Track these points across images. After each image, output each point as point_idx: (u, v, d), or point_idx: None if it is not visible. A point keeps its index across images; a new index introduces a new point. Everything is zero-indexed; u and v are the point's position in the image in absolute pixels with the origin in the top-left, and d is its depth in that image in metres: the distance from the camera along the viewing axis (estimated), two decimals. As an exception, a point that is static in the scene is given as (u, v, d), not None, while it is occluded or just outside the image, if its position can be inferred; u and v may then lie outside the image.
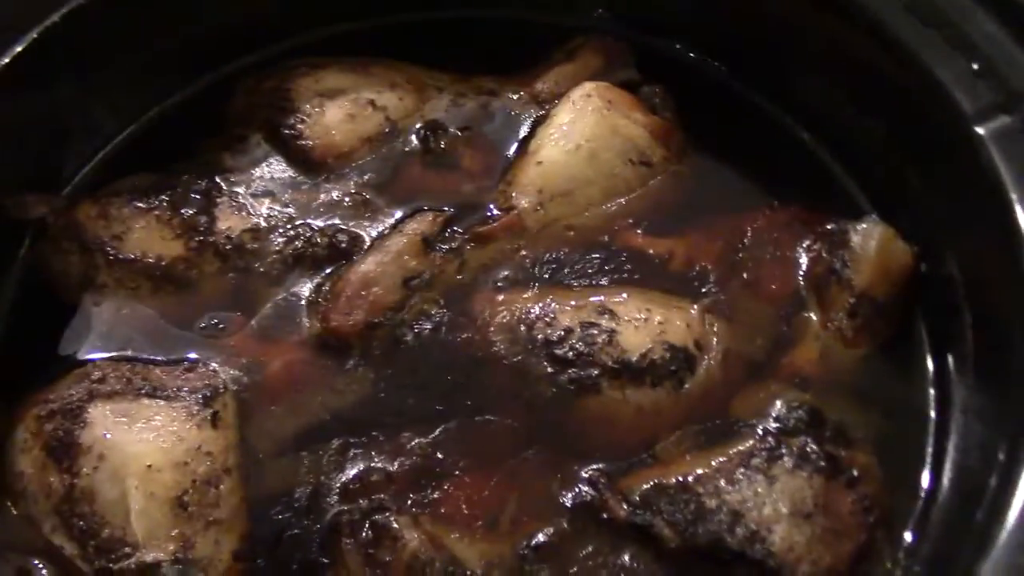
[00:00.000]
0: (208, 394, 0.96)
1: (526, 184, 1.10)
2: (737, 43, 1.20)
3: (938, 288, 1.01)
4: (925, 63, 1.00)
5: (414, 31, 1.27)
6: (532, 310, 1.02)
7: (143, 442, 0.92)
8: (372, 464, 0.95)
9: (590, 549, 0.91)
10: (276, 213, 1.09)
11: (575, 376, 0.98)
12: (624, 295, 1.03)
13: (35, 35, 1.05)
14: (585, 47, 1.23)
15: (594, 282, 1.06)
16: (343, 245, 1.07)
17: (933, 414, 0.98)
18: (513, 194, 1.10)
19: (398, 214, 1.10)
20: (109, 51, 1.13)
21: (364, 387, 1.00)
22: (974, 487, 0.86)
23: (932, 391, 1.00)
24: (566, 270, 1.07)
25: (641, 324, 1.00)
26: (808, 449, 0.93)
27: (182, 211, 1.07)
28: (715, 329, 1.02)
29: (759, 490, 0.91)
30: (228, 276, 1.06)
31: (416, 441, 0.96)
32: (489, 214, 1.10)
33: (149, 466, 0.90)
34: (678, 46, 1.25)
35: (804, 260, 1.07)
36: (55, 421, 0.92)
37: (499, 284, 1.06)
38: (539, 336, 1.00)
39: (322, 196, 1.11)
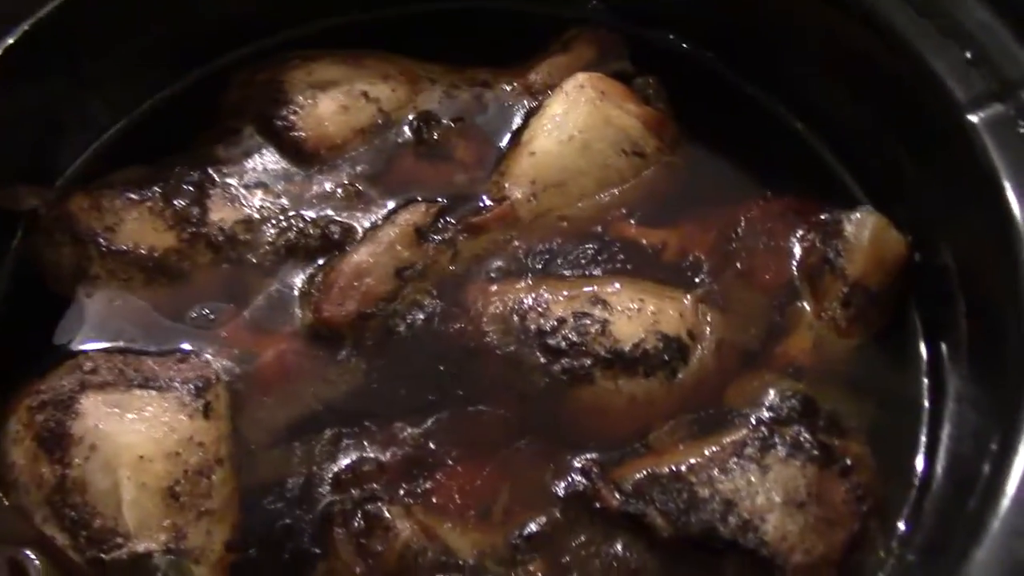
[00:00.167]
0: (200, 385, 0.96)
1: (519, 175, 1.10)
2: (730, 33, 1.19)
3: (932, 277, 1.01)
4: (918, 52, 1.00)
5: (408, 23, 1.26)
6: (525, 300, 1.02)
7: (135, 433, 0.91)
8: (364, 454, 0.95)
9: (582, 539, 0.90)
10: (269, 204, 1.09)
11: (568, 366, 0.98)
12: (617, 285, 1.03)
13: (27, 27, 1.05)
14: (578, 38, 1.23)
15: (587, 272, 1.06)
16: (336, 236, 1.07)
17: (927, 403, 0.98)
18: (506, 185, 1.10)
19: (391, 205, 1.10)
20: (102, 43, 1.13)
21: (356, 377, 1.00)
22: (968, 475, 0.86)
23: (926, 380, 1.00)
24: (559, 260, 1.06)
25: (634, 314, 1.00)
26: (801, 438, 0.92)
27: (175, 202, 1.07)
28: (708, 319, 1.02)
29: (752, 479, 0.90)
30: (221, 267, 1.05)
31: (408, 431, 0.96)
32: (482, 205, 1.10)
33: (141, 456, 0.90)
34: (671, 37, 1.24)
35: (798, 250, 1.06)
36: (47, 412, 0.92)
37: (492, 274, 1.05)
38: (532, 326, 1.00)
39: (315, 187, 1.11)
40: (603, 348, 0.98)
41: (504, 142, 1.15)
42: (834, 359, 1.01)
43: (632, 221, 1.10)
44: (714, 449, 0.93)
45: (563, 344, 0.98)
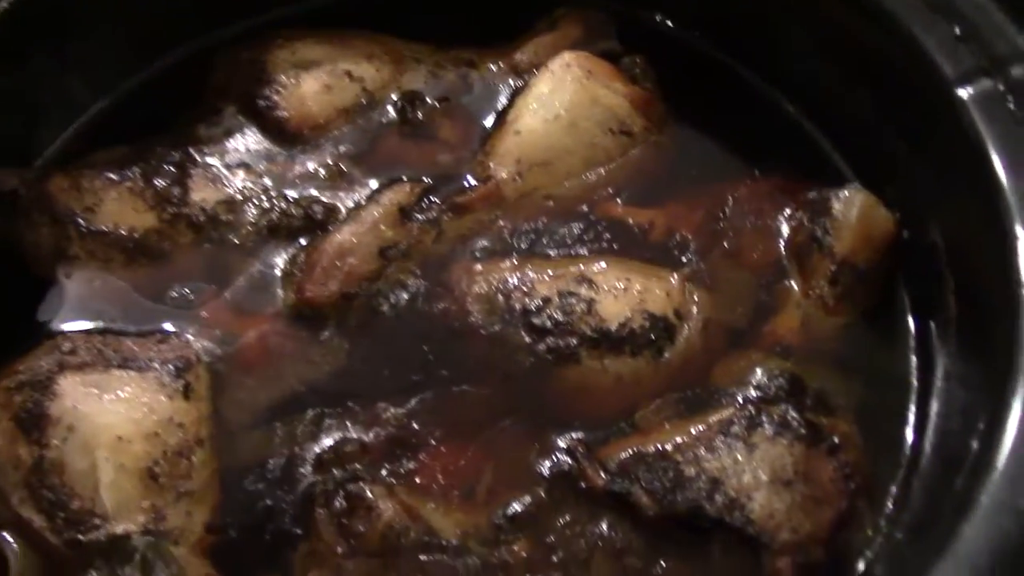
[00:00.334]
0: (180, 365, 0.95)
1: (504, 154, 1.08)
2: (718, 13, 1.18)
3: (921, 255, 1.00)
4: (907, 28, 0.98)
5: (394, 3, 1.24)
6: (510, 280, 1.01)
7: (113, 413, 0.90)
8: (347, 434, 0.94)
9: (567, 518, 0.89)
10: (251, 184, 1.08)
11: (553, 345, 0.97)
12: (603, 264, 1.02)
13: (7, 5, 1.04)
14: (565, 18, 1.21)
15: (573, 252, 1.05)
16: (319, 216, 1.06)
17: (915, 381, 0.97)
18: (491, 164, 1.08)
19: (375, 185, 1.09)
20: (84, 22, 1.12)
21: (339, 358, 0.98)
22: (956, 453, 0.85)
23: (914, 358, 0.99)
24: (545, 240, 1.05)
25: (620, 293, 0.99)
26: (789, 417, 0.91)
27: (155, 182, 1.05)
28: (695, 298, 1.01)
29: (739, 458, 0.89)
30: (202, 248, 1.04)
31: (391, 411, 0.95)
32: (467, 184, 1.08)
33: (119, 437, 0.89)
34: (659, 17, 1.23)
35: (785, 229, 1.05)
36: (24, 392, 0.91)
37: (477, 254, 1.04)
38: (517, 306, 0.99)
39: (298, 167, 1.10)
40: (589, 327, 0.97)
41: (489, 122, 1.14)
42: (822, 337, 1.00)
43: (619, 200, 1.08)
44: (700, 428, 0.92)
45: (548, 323, 0.97)
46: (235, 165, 1.09)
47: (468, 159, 1.11)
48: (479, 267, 1.03)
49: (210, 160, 1.09)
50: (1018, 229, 0.86)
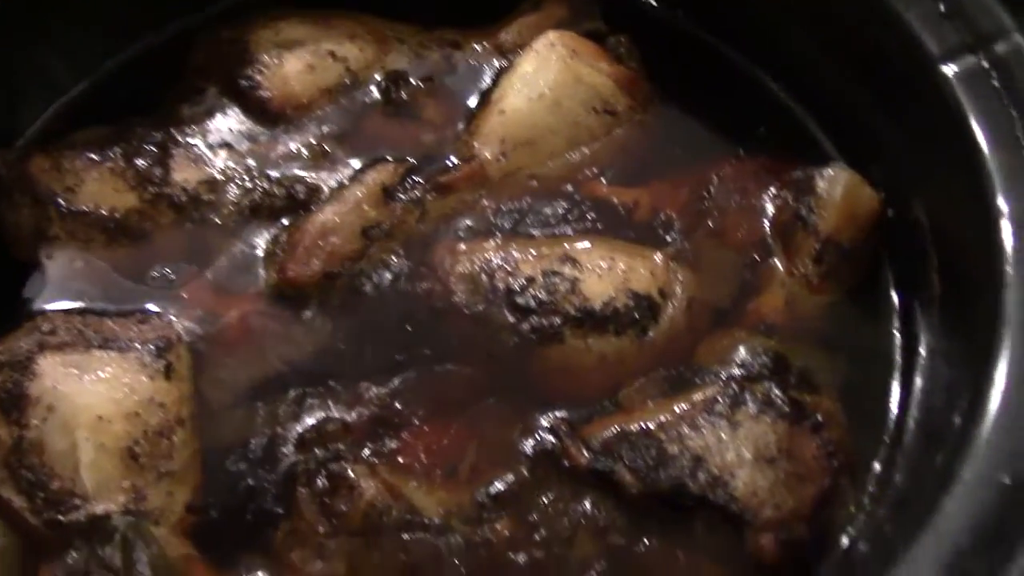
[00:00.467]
0: (161, 345, 0.94)
1: (488, 133, 1.08)
2: (703, -8, 1.18)
3: (905, 233, 1.00)
4: (891, 5, 0.98)
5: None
6: (493, 259, 1.00)
7: (93, 393, 0.90)
8: (329, 414, 0.93)
9: (550, 496, 0.89)
10: (233, 164, 1.07)
11: (537, 325, 0.96)
12: (587, 244, 1.02)
13: (-13, -15, 1.03)
14: (551, -2, 1.21)
15: (557, 231, 1.04)
16: (301, 196, 1.05)
17: (899, 358, 0.97)
18: (475, 144, 1.08)
19: (358, 165, 1.08)
20: (65, 2, 1.11)
21: (322, 338, 0.98)
22: (939, 429, 0.85)
23: (898, 336, 0.99)
24: (529, 219, 1.05)
25: (604, 272, 0.99)
26: (772, 395, 0.91)
27: (136, 163, 1.05)
28: (680, 277, 1.00)
29: (722, 436, 0.89)
30: (183, 228, 1.04)
31: (374, 391, 0.95)
32: (450, 164, 1.08)
33: (100, 417, 0.89)
34: (644, -4, 1.23)
35: (770, 208, 1.05)
36: (3, 373, 0.90)
37: (460, 234, 1.04)
38: (501, 285, 0.98)
39: (280, 147, 1.09)
40: (573, 306, 0.96)
41: (473, 102, 1.13)
42: (806, 316, 1.00)
43: (603, 180, 1.08)
44: (684, 406, 0.91)
45: (532, 303, 0.97)
46: (217, 145, 1.09)
47: (452, 139, 1.10)
48: (463, 247, 1.02)
49: (192, 140, 1.08)
50: (1001, 205, 0.86)
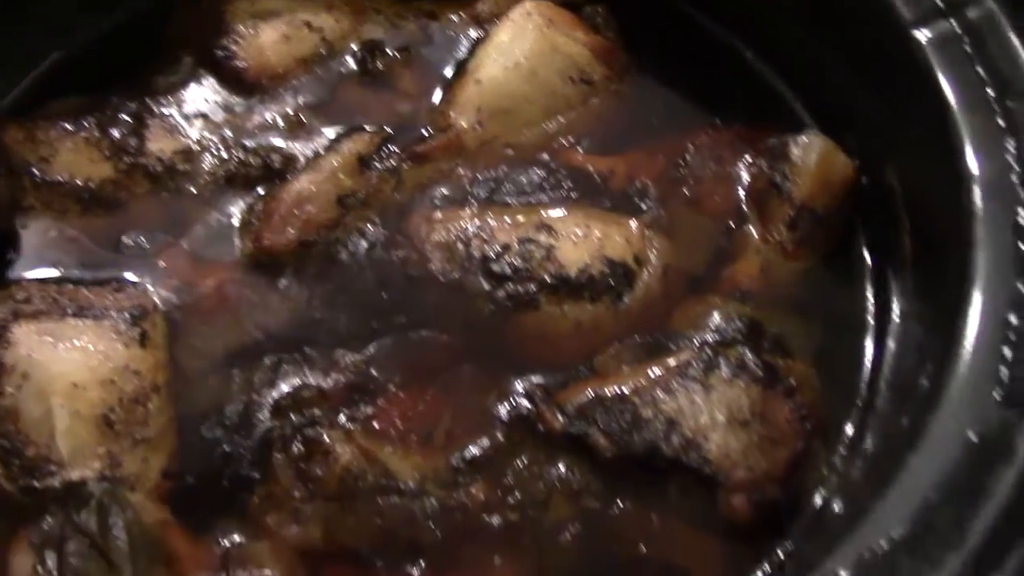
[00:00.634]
0: (136, 313, 0.94)
1: (464, 103, 1.08)
2: (679, -39, 1.18)
3: (878, 199, 1.00)
4: (864, -29, 0.98)
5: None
6: (469, 227, 1.00)
7: (68, 361, 0.90)
8: (305, 380, 0.94)
9: (525, 460, 0.89)
10: (209, 134, 1.08)
11: (513, 292, 0.97)
12: (563, 211, 1.02)
13: (-41, -46, 1.03)
14: (527, -33, 1.21)
15: (533, 200, 1.04)
16: (277, 165, 1.05)
17: (872, 322, 0.98)
18: (451, 113, 1.08)
19: (334, 134, 1.08)
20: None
21: (298, 306, 0.98)
22: (910, 389, 0.85)
23: (871, 300, 0.99)
24: (505, 188, 1.05)
25: (580, 240, 0.99)
26: (746, 359, 0.91)
27: (111, 133, 1.05)
28: (655, 244, 1.01)
29: (696, 400, 0.90)
30: (159, 197, 1.04)
31: (350, 358, 0.95)
32: (426, 134, 1.08)
33: (75, 384, 0.89)
34: (620, -34, 1.22)
35: (745, 175, 1.05)
36: (-23, 341, 0.90)
37: (436, 202, 1.04)
38: (476, 253, 0.99)
39: (256, 117, 1.09)
40: (548, 273, 0.97)
41: (450, 72, 1.13)
42: (781, 282, 1.00)
43: (579, 149, 1.08)
44: (658, 371, 0.92)
45: (508, 270, 0.97)
46: (193, 115, 1.09)
47: (428, 109, 1.10)
48: (438, 215, 1.02)
49: (167, 110, 1.09)
50: (972, 168, 0.86)
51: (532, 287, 0.96)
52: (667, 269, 1.00)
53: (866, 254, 1.02)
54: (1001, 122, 0.88)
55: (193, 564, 0.85)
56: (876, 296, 0.99)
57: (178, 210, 1.03)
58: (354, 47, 1.14)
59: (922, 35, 0.94)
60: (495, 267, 0.98)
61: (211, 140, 1.07)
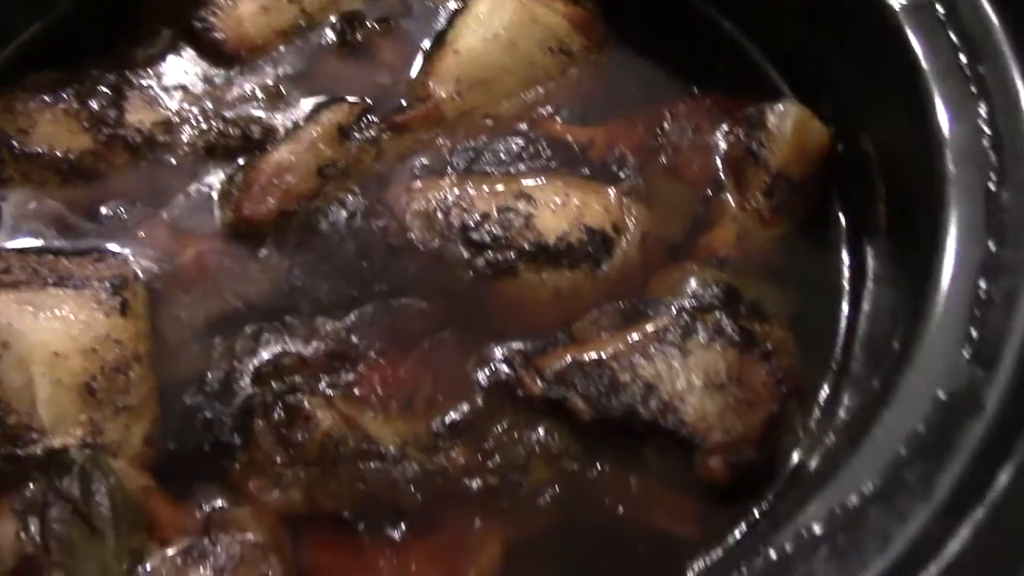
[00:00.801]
0: (117, 283, 0.95)
1: (443, 73, 1.08)
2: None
3: (853, 166, 1.01)
4: (838, -62, 0.99)
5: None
6: (449, 196, 1.01)
7: (49, 330, 0.90)
8: (285, 348, 0.94)
9: (505, 425, 0.90)
10: (188, 106, 1.08)
11: (492, 259, 0.97)
12: (542, 180, 1.03)
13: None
14: (505, -61, 1.21)
15: (512, 170, 1.05)
16: (256, 136, 1.06)
17: (847, 287, 0.99)
18: (430, 84, 1.08)
19: (313, 105, 1.08)
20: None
21: (278, 275, 0.99)
22: (883, 350, 0.87)
23: (847, 266, 1.00)
24: (484, 158, 1.05)
25: (558, 208, 1.00)
26: (723, 324, 0.92)
27: (90, 104, 1.05)
28: (633, 212, 1.01)
29: (673, 364, 0.90)
30: (139, 169, 1.04)
31: (330, 325, 0.95)
32: (406, 104, 1.08)
33: (56, 353, 0.89)
34: (599, -63, 1.22)
35: (722, 144, 1.06)
36: (-43, 311, 0.91)
37: (416, 172, 1.04)
38: (456, 222, 0.99)
39: (235, 89, 1.10)
40: (527, 241, 0.98)
41: (428, 43, 1.13)
42: (758, 249, 1.01)
43: (558, 119, 1.09)
44: (636, 336, 0.93)
45: (487, 238, 0.98)
46: (172, 87, 1.09)
47: (407, 80, 1.11)
48: (418, 184, 1.03)
49: (146, 82, 1.09)
50: (944, 132, 0.87)
51: (511, 255, 0.97)
52: (645, 237, 1.01)
53: (842, 220, 1.03)
54: (973, 88, 0.89)
55: (175, 529, 0.85)
56: (851, 261, 1.00)
57: (158, 181, 1.03)
58: (333, 19, 1.14)
59: (895, 1, 0.95)
60: (474, 235, 0.98)
61: (190, 111, 1.07)
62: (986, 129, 0.86)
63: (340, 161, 1.03)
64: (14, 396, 0.88)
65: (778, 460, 0.89)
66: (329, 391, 0.92)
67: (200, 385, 0.92)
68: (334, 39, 1.13)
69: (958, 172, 0.85)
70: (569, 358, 0.92)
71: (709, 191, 1.04)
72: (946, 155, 0.87)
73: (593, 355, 0.92)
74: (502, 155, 1.06)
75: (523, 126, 1.08)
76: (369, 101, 1.08)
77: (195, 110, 1.07)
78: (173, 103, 1.07)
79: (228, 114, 1.07)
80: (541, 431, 0.90)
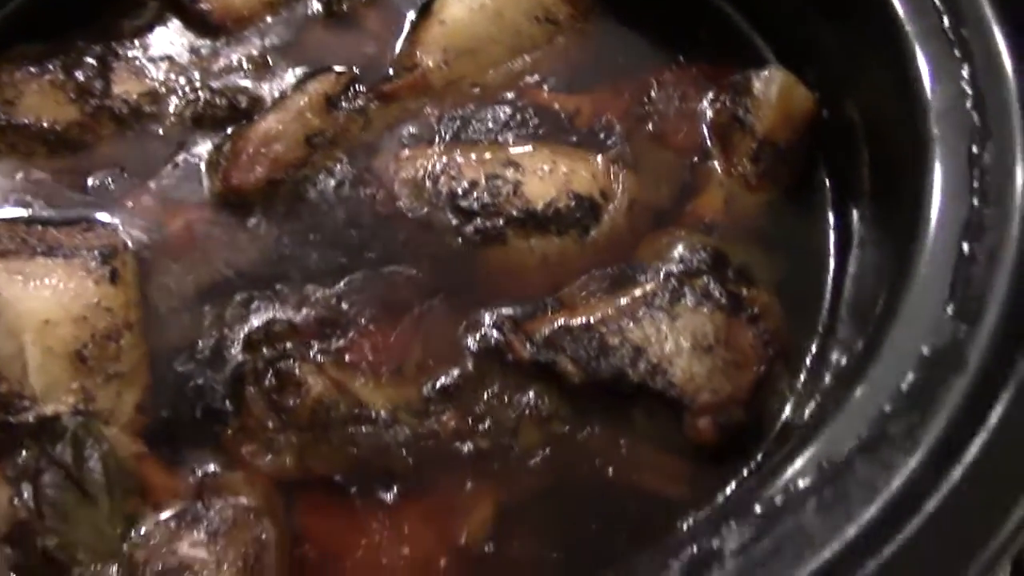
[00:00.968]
0: (106, 252, 0.95)
1: (430, 43, 1.09)
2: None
3: (838, 132, 1.02)
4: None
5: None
6: (437, 165, 1.01)
7: (39, 299, 0.90)
8: (276, 315, 0.95)
9: (495, 389, 0.91)
10: (174, 76, 1.08)
11: (480, 227, 0.98)
12: (529, 148, 1.03)
13: None
14: (491, -91, 1.21)
15: (500, 138, 1.05)
16: (243, 106, 1.06)
17: (833, 251, 0.99)
18: (417, 53, 1.09)
19: (300, 75, 1.08)
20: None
21: (267, 244, 0.99)
22: (869, 313, 0.87)
23: (832, 231, 1.01)
24: (472, 126, 1.06)
25: (546, 175, 1.00)
26: (710, 288, 0.93)
27: (76, 75, 1.05)
28: (621, 179, 1.02)
29: (661, 327, 0.91)
30: (126, 139, 1.04)
31: (320, 293, 0.96)
32: (393, 74, 1.08)
33: (46, 321, 0.89)
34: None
35: (709, 111, 1.07)
36: (-54, 281, 0.91)
37: (404, 141, 1.05)
38: (444, 190, 1.00)
39: (222, 59, 1.10)
40: (515, 208, 0.98)
41: (414, 13, 1.13)
42: (744, 215, 1.02)
43: (545, 87, 1.09)
44: (624, 301, 0.93)
45: (475, 205, 0.98)
46: (158, 58, 1.09)
47: (394, 49, 1.11)
48: (406, 153, 1.03)
49: (132, 53, 1.09)
50: (928, 96, 0.88)
51: (500, 222, 0.98)
52: (633, 203, 1.01)
53: (827, 185, 1.03)
54: (956, 51, 0.90)
55: (168, 494, 0.86)
56: (836, 225, 1.01)
57: (145, 151, 1.03)
58: (319, -11, 1.14)
59: (880, -33, 0.95)
60: (463, 203, 0.99)
61: (177, 82, 1.07)
62: (968, 91, 0.87)
63: (328, 130, 1.04)
64: (5, 364, 0.88)
65: (765, 421, 0.91)
66: (320, 357, 0.92)
67: (191, 353, 0.93)
68: (320, 9, 1.13)
69: (941, 134, 0.86)
70: (558, 323, 0.92)
71: (696, 158, 1.05)
72: (929, 117, 0.87)
73: (582, 319, 0.92)
74: (489, 124, 1.06)
75: (510, 95, 1.08)
76: (356, 71, 1.08)
77: (182, 80, 1.07)
78: (160, 74, 1.07)
79: (215, 84, 1.07)
80: (531, 394, 0.91)
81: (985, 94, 0.87)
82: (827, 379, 0.90)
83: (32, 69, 1.05)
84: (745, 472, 0.88)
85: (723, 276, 0.96)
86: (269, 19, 1.12)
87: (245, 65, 1.09)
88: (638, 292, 0.94)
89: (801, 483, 0.72)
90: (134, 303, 0.94)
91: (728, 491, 0.87)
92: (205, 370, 0.92)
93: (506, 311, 0.95)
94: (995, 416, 0.72)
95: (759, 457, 0.89)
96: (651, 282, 0.95)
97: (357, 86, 1.07)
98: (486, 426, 0.90)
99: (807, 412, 0.89)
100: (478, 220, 0.98)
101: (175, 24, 1.11)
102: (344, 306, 0.95)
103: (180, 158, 1.03)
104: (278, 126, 1.02)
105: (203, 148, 1.03)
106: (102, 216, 1.00)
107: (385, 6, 1.14)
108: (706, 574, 0.69)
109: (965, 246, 0.80)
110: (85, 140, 1.03)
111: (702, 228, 1.01)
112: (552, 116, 1.07)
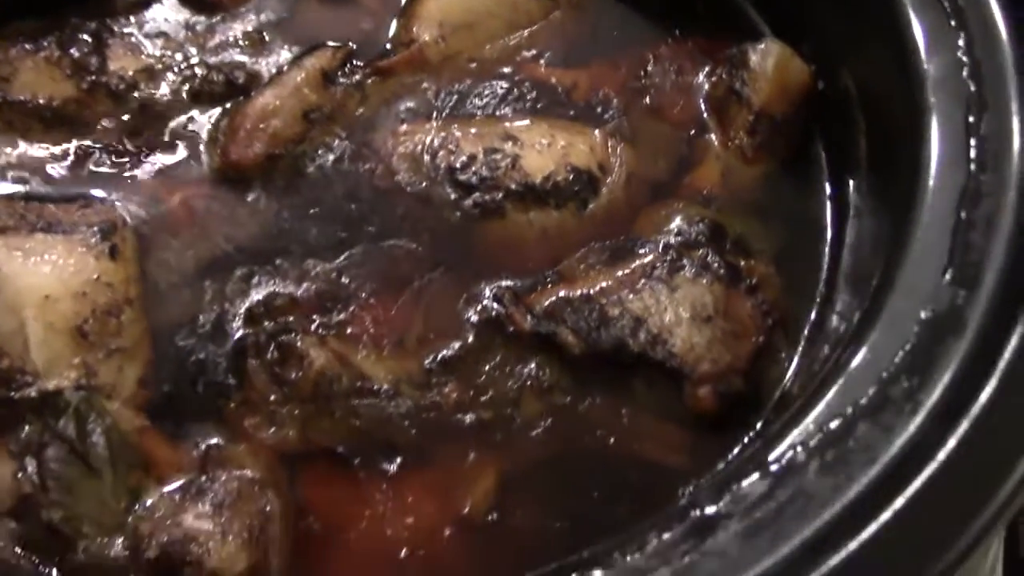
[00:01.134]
0: (105, 228, 0.94)
1: (426, 17, 1.09)
2: None
3: (835, 104, 1.02)
4: None
5: None
6: (435, 139, 1.01)
7: (39, 274, 0.90)
8: (277, 289, 0.95)
9: (496, 360, 0.91)
10: (171, 53, 1.07)
11: (479, 200, 0.98)
12: (528, 122, 1.04)
13: None
14: None
15: (498, 113, 1.06)
16: (240, 82, 1.05)
17: (830, 222, 1.00)
18: (414, 28, 1.09)
19: (297, 51, 1.08)
20: None
21: (267, 219, 0.99)
22: (866, 278, 0.88)
23: (829, 202, 1.02)
24: (469, 101, 1.06)
25: (544, 149, 1.00)
26: (709, 259, 0.94)
27: (71, 52, 1.05)
28: (619, 152, 1.02)
29: (661, 298, 0.92)
30: (122, 116, 1.04)
31: (321, 267, 0.96)
32: (390, 49, 1.08)
33: (47, 297, 0.89)
34: None
35: (705, 84, 1.07)
36: (-55, 258, 0.90)
37: (402, 116, 1.05)
38: (442, 164, 1.00)
39: (218, 36, 1.09)
40: (514, 182, 0.98)
41: (411, -11, 1.14)
42: (741, 187, 1.02)
43: (542, 62, 1.09)
44: (624, 272, 0.94)
45: (474, 179, 0.99)
46: (154, 34, 1.09)
47: (390, 25, 1.11)
48: (404, 128, 1.03)
49: (128, 30, 1.09)
50: (924, 65, 0.88)
51: (498, 195, 0.98)
52: (631, 176, 1.02)
53: (823, 157, 1.04)
54: (952, 21, 0.91)
55: (172, 467, 0.86)
56: (833, 196, 1.02)
57: (142, 127, 1.03)
58: (314, -35, 1.14)
59: (874, -64, 0.96)
60: (461, 177, 0.99)
61: (173, 58, 1.07)
62: (965, 60, 0.88)
63: (325, 106, 1.04)
64: (6, 340, 0.88)
65: (765, 390, 0.91)
66: (321, 331, 0.93)
67: (192, 327, 0.93)
68: (316, -15, 1.13)
69: (938, 103, 0.86)
70: (558, 294, 0.93)
71: (693, 131, 1.06)
72: (926, 87, 0.88)
73: (582, 291, 0.93)
74: (487, 98, 1.06)
75: (507, 69, 1.08)
76: (352, 46, 1.08)
77: (178, 57, 1.07)
78: (156, 50, 1.07)
79: (211, 60, 1.07)
80: (532, 366, 0.91)
81: (981, 63, 0.87)
82: (826, 348, 0.91)
83: (27, 46, 1.04)
84: (745, 440, 0.89)
85: (721, 247, 0.96)
86: (264, -5, 1.12)
87: (241, 41, 1.09)
88: (637, 264, 0.95)
89: (802, 447, 0.72)
90: (134, 279, 0.94)
91: (729, 458, 0.87)
92: (207, 344, 0.92)
93: (506, 284, 0.96)
94: (994, 379, 0.73)
95: (759, 426, 0.89)
96: (650, 254, 0.95)
97: (354, 61, 1.07)
98: (488, 397, 0.90)
99: (806, 381, 0.89)
100: (477, 194, 0.98)
101: (170, 0, 1.11)
102: (344, 280, 0.96)
103: (178, 134, 1.03)
104: (275, 101, 1.02)
105: (201, 124, 1.03)
106: (100, 192, 0.99)
107: (381, -18, 1.14)
108: (710, 537, 0.69)
109: (963, 213, 0.80)
110: (82, 116, 1.03)
111: (700, 200, 1.01)
112: (549, 90, 1.08)
